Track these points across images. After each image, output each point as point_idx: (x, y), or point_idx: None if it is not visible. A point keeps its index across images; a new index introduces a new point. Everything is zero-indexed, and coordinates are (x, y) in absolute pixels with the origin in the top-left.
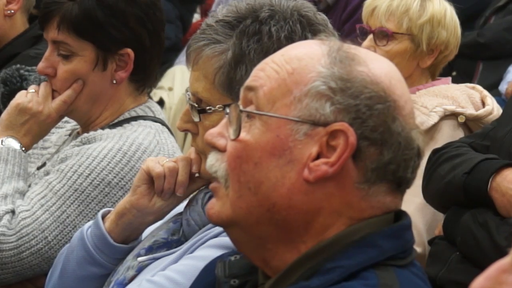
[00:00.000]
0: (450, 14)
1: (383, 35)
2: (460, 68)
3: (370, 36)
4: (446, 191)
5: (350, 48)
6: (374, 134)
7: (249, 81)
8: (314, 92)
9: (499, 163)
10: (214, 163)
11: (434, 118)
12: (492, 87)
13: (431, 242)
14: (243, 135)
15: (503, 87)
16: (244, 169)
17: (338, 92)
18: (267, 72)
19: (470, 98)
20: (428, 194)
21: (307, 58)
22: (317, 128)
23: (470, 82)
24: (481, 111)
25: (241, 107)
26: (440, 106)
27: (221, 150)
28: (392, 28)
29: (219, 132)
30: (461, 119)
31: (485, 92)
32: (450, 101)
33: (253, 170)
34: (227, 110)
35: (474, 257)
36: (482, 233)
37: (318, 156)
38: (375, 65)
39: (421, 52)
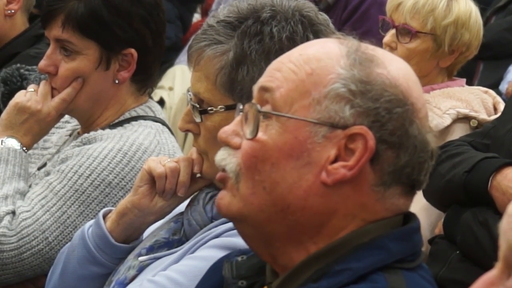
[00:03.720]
0: (475, 16)
1: (406, 32)
2: (461, 67)
3: (393, 31)
4: (446, 190)
5: (368, 48)
6: (392, 137)
7: (264, 81)
8: (334, 94)
9: (500, 161)
10: (226, 157)
11: (447, 120)
12: (493, 87)
13: (431, 241)
14: (260, 135)
15: (503, 86)
16: (259, 169)
17: (358, 95)
18: (284, 72)
19: (483, 103)
20: (428, 192)
21: (326, 58)
22: (336, 131)
23: (471, 82)
24: (493, 117)
25: (259, 107)
26: (454, 108)
27: (235, 148)
28: (416, 26)
29: (233, 130)
30: (474, 123)
31: (498, 98)
32: (463, 104)
33: (269, 170)
34: (241, 107)
35: (475, 256)
36: (482, 231)
37: (336, 159)
38: (393, 66)
39: (442, 52)
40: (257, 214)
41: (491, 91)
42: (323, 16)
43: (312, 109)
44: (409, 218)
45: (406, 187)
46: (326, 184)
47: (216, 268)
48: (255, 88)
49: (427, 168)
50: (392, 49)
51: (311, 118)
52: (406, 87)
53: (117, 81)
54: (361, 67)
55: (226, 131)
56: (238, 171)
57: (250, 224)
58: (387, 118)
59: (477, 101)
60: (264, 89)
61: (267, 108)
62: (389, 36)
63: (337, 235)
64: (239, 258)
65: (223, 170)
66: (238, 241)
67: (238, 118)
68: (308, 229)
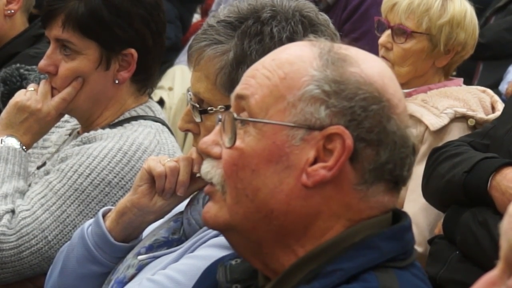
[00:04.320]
0: (470, 16)
1: (402, 33)
2: (460, 68)
3: (388, 32)
4: (446, 190)
5: (341, 48)
6: (370, 135)
7: (239, 89)
8: (308, 96)
9: (499, 162)
10: (210, 170)
11: (445, 120)
12: (492, 87)
13: (431, 241)
14: (238, 142)
15: (503, 87)
16: (240, 176)
17: (332, 95)
18: (258, 79)
19: (480, 102)
20: (428, 192)
21: (299, 61)
22: (313, 133)
23: (470, 82)
24: (491, 116)
25: (235, 115)
26: (451, 108)
27: (216, 158)
28: (411, 26)
29: (213, 140)
30: (471, 122)
31: (496, 97)
32: (461, 104)
33: (250, 177)
34: (220, 117)
35: (474, 256)
36: (482, 231)
37: (315, 161)
38: (367, 65)
39: (438, 52)
40: (243, 222)
41: (488, 90)
42: (324, 17)
43: (287, 112)
44: (400, 216)
45: (390, 183)
46: (307, 186)
47: (210, 271)
48: (232, 97)
49: (409, 163)
50: (387, 49)
51: (288, 122)
52: (381, 84)
53: (117, 81)
54: (334, 67)
55: (205, 141)
56: (223, 182)
57: (238, 233)
58: (363, 116)
59: (474, 100)
60: (239, 97)
61: (244, 115)
62: (385, 36)
63: (324, 236)
64: (233, 262)
65: (210, 183)
66: None
67: (217, 127)
68: (293, 232)
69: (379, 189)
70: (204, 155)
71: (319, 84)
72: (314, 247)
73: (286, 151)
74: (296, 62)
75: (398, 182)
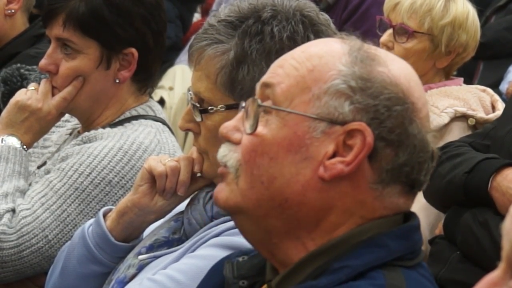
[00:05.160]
0: (472, 17)
1: (403, 32)
2: (460, 67)
3: (390, 31)
4: (446, 190)
5: (371, 48)
6: (391, 135)
7: (266, 77)
8: (334, 90)
9: (500, 162)
10: (227, 153)
11: (445, 119)
12: (493, 87)
13: (431, 241)
14: (259, 129)
15: (503, 86)
16: (258, 163)
17: (358, 92)
18: (286, 69)
19: (481, 101)
20: (429, 193)
21: (328, 56)
22: (334, 127)
23: (471, 81)
24: (491, 115)
25: (259, 101)
26: (451, 107)
27: (235, 144)
28: (413, 26)
29: (235, 125)
30: (471, 121)
31: (496, 96)
32: (461, 103)
33: (267, 164)
34: (243, 104)
35: (475, 256)
36: (482, 232)
37: (334, 155)
38: (395, 66)
39: (439, 53)
40: (255, 208)
41: (489, 90)
42: (324, 16)
43: (311, 104)
44: (409, 217)
45: (406, 186)
46: (324, 179)
47: (217, 268)
48: (258, 85)
49: (427, 168)
50: (389, 48)
51: (311, 113)
52: (407, 87)
53: (117, 81)
54: (362, 65)
55: (227, 126)
56: (238, 166)
57: (248, 218)
58: (386, 115)
59: (474, 100)
60: (265, 85)
61: (268, 103)
62: (386, 35)
63: (335, 232)
64: (240, 259)
65: (225, 165)
66: (238, 240)
67: (239, 114)
68: (305, 224)
69: (395, 191)
70: (223, 139)
71: (346, 80)
72: (324, 241)
73: (306, 142)
74: (325, 56)
75: (414, 186)
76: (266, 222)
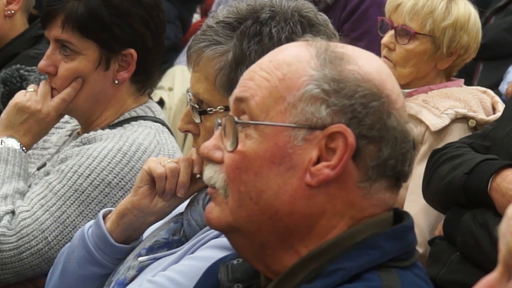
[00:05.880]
0: (474, 19)
1: (405, 33)
2: (460, 68)
3: (391, 32)
4: (446, 192)
5: (337, 47)
6: (371, 132)
7: (238, 92)
8: (308, 96)
9: (499, 163)
10: (213, 175)
11: (445, 120)
12: (492, 87)
13: (431, 242)
14: (240, 146)
15: (503, 87)
16: (244, 180)
17: (332, 94)
18: (256, 81)
19: (481, 103)
20: (429, 194)
21: (296, 62)
22: (314, 132)
23: (470, 82)
24: (492, 117)
25: (236, 118)
26: (452, 108)
27: (218, 163)
28: (415, 27)
29: (214, 144)
30: (472, 123)
31: (497, 98)
32: (462, 104)
33: (253, 179)
34: (219, 121)
35: (474, 257)
36: (482, 233)
37: (318, 160)
38: (364, 62)
39: (440, 54)
40: (247, 224)
41: (489, 91)
42: (323, 17)
43: (288, 113)
44: (402, 216)
45: (392, 180)
46: (311, 186)
47: (211, 271)
48: (231, 100)
49: (410, 158)
50: (390, 50)
51: (289, 123)
52: (380, 80)
53: (116, 82)
54: (332, 66)
55: (207, 146)
56: (225, 186)
57: (242, 234)
58: (364, 113)
59: (475, 101)
60: (239, 100)
61: (244, 118)
62: (388, 37)
63: (327, 236)
64: (235, 261)
65: (213, 187)
66: None
67: (217, 132)
68: (298, 232)
69: (382, 186)
70: (205, 160)
71: (318, 84)
72: (317, 246)
73: (288, 152)
74: (294, 62)
75: (399, 178)
76: (259, 236)
